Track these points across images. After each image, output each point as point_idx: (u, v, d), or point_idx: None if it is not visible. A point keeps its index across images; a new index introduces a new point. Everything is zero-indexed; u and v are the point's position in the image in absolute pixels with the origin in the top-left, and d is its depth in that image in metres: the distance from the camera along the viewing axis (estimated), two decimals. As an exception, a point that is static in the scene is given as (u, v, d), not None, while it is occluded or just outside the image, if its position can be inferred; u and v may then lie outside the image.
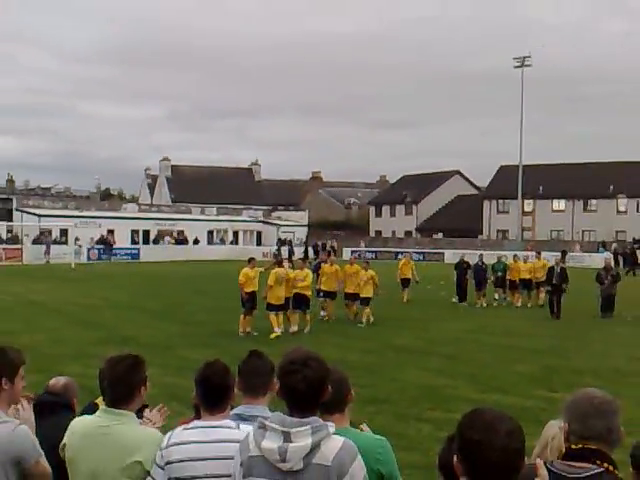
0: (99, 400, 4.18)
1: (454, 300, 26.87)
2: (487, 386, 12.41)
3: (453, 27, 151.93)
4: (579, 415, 2.77)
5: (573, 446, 2.75)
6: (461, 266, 27.57)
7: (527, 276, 26.82)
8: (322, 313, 21.43)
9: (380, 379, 12.83)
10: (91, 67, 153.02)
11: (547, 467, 2.75)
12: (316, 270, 23.13)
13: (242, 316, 18.26)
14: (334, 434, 3.06)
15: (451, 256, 30.13)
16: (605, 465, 2.69)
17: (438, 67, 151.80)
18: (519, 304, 26.38)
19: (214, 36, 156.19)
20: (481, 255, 28.77)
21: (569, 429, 2.81)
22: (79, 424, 3.83)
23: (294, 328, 18.53)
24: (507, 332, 19.61)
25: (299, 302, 19.00)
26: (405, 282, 27.26)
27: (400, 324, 20.89)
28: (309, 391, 3.05)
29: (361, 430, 3.85)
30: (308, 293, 19.30)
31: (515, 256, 28.66)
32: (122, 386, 3.71)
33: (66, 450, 3.77)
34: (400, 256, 29.50)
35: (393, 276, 27.41)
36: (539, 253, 29.25)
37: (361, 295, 21.16)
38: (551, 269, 24.02)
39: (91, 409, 4.13)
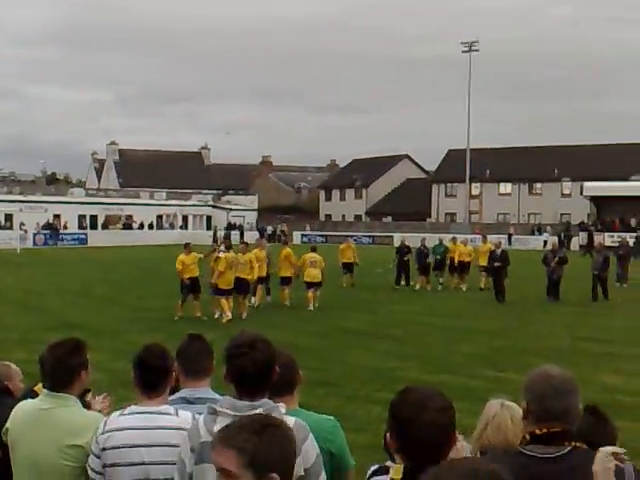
0: (38, 387, 4.11)
1: (396, 287, 26.14)
2: (435, 367, 12.55)
3: (402, 13, 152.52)
4: (538, 396, 2.78)
5: (537, 431, 2.77)
6: (402, 250, 27.00)
7: (467, 259, 26.69)
8: (252, 300, 20.37)
9: (329, 362, 12.88)
10: (37, 49, 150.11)
11: (519, 450, 2.79)
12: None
13: (179, 301, 18.31)
14: (285, 415, 3.03)
15: (400, 239, 30.35)
16: (572, 443, 2.73)
17: (388, 52, 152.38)
18: (464, 288, 26.10)
19: (163, 19, 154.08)
20: (423, 239, 28.35)
21: (528, 409, 2.84)
22: (21, 408, 3.77)
23: (229, 314, 17.89)
24: (455, 314, 19.83)
25: (240, 287, 18.71)
26: (347, 266, 26.53)
27: (349, 307, 20.96)
28: (258, 373, 3.03)
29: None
30: (249, 277, 19.01)
31: (454, 238, 28.51)
32: (62, 370, 3.64)
33: (8, 435, 3.70)
34: (350, 240, 29.04)
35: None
36: (485, 237, 29.11)
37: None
38: (492, 252, 23.98)
39: (29, 396, 4.06)
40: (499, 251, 23.74)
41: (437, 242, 27.92)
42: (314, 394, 9.51)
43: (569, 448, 2.72)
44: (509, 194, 74.66)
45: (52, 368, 3.65)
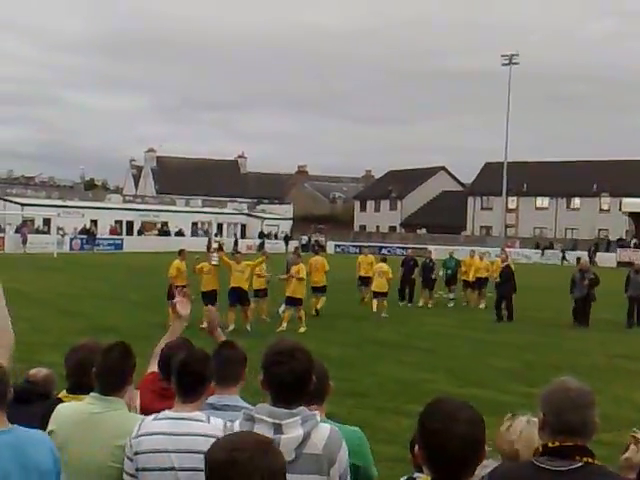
0: (62, 394, 4.18)
1: (399, 304, 24.10)
2: (465, 380, 12.48)
3: (440, 25, 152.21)
4: (555, 408, 2.75)
5: (550, 444, 2.75)
6: (407, 263, 25.07)
7: (484, 274, 24.75)
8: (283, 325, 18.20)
9: (359, 373, 12.87)
10: (77, 56, 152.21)
11: (531, 461, 2.77)
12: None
13: (229, 311, 17.71)
14: (320, 423, 3.07)
15: (435, 251, 30.18)
16: (585, 459, 2.71)
17: (426, 64, 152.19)
18: (482, 305, 24.44)
19: (201, 27, 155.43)
20: (429, 252, 26.84)
21: (544, 420, 2.83)
22: (68, 411, 3.79)
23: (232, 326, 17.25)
24: (485, 328, 19.71)
25: (237, 296, 17.92)
26: (365, 280, 24.14)
27: (380, 319, 20.90)
28: (296, 383, 3.05)
29: None
30: (245, 287, 18.14)
31: (472, 252, 26.85)
32: (114, 374, 3.70)
33: (54, 437, 3.76)
34: (384, 250, 28.69)
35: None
36: (504, 251, 26.93)
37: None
38: (505, 268, 22.29)
39: (55, 404, 4.11)
40: (503, 266, 22.40)
41: (447, 256, 26.63)
42: (343, 404, 9.53)
43: (581, 463, 2.70)
44: (546, 208, 73.99)
45: (104, 373, 3.70)
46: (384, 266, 21.93)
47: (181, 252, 19.09)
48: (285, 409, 3.00)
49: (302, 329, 17.65)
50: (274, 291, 20.06)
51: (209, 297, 17.39)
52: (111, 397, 3.70)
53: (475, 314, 22.81)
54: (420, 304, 24.44)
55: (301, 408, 3.04)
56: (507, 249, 36.75)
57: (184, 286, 17.06)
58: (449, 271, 25.48)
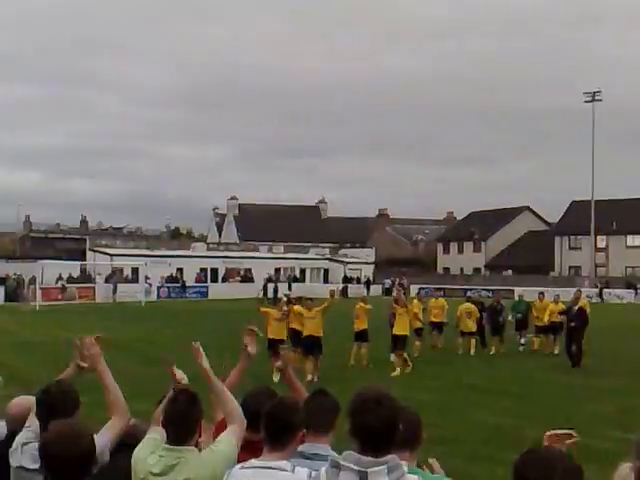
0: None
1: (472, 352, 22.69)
2: (558, 426, 12.01)
3: (518, 61, 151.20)
4: None
5: None
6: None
7: (559, 319, 22.42)
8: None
9: (448, 418, 12.63)
10: (164, 109, 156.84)
11: None
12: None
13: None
14: (408, 474, 3.04)
15: (521, 293, 29.51)
16: None
17: (505, 103, 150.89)
18: (556, 351, 22.69)
19: (282, 75, 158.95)
20: (498, 294, 26.04)
21: (639, 468, 2.71)
22: (142, 463, 3.75)
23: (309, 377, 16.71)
24: (579, 371, 19.12)
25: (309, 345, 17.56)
26: (436, 326, 23.57)
27: (468, 362, 20.62)
28: (382, 430, 3.03)
29: (430, 466, 3.79)
30: (319, 334, 17.67)
31: (541, 294, 24.83)
32: (186, 422, 3.70)
33: None
34: (469, 293, 28.22)
35: (455, 316, 23.66)
36: (579, 292, 24.35)
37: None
38: (569, 309, 21.38)
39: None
40: (576, 308, 21.09)
41: (517, 299, 25.46)
42: (433, 452, 9.30)
43: None
44: (637, 247, 71.82)
45: (174, 421, 3.70)
46: (471, 306, 22.75)
47: (277, 300, 19.02)
48: (372, 457, 2.98)
49: (395, 372, 17.88)
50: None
51: (275, 345, 16.44)
52: (184, 446, 3.68)
53: (562, 357, 22.14)
54: (492, 352, 22.83)
55: (389, 457, 3.00)
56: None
57: (276, 340, 17.01)
58: (519, 315, 24.11)
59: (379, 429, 3.01)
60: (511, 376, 18.15)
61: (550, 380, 17.49)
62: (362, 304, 20.13)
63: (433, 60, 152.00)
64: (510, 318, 23.96)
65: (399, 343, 18.56)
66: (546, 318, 23.10)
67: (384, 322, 21.12)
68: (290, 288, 54.56)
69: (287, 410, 3.64)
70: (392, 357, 18.99)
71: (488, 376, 18.09)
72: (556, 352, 22.78)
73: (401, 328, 18.72)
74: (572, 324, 20.64)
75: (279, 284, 56.07)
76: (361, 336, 19.45)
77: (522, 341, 23.85)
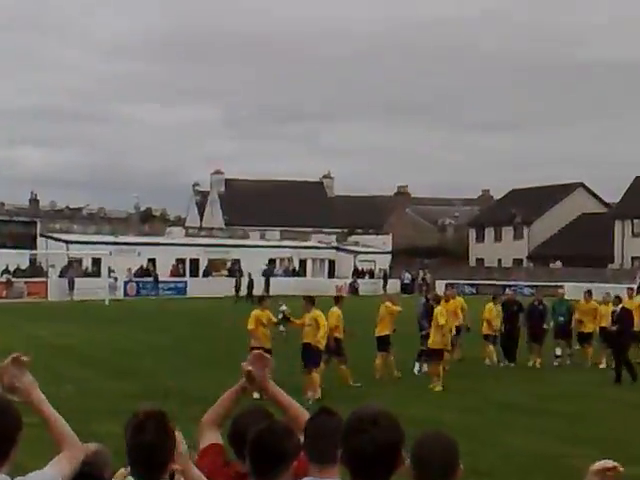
0: (119, 474, 4.16)
1: (502, 364, 22.93)
2: (619, 455, 12.09)
3: (571, 4, 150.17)
4: None
5: None
6: (509, 308, 23.63)
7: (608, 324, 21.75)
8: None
9: (481, 444, 12.72)
10: (131, 62, 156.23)
11: None
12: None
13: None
14: None
15: (573, 289, 29.42)
16: None
17: (554, 55, 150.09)
18: (603, 365, 22.36)
19: (280, 21, 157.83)
20: (540, 292, 26.23)
21: None
22: None
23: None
24: (637, 387, 19.31)
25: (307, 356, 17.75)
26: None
27: (505, 375, 20.77)
28: (376, 456, 3.01)
29: None
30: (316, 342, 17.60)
31: (587, 293, 24.23)
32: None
33: None
34: (508, 290, 27.76)
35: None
36: (632, 290, 24.99)
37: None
38: (613, 312, 21.26)
39: None
40: (618, 309, 21.11)
41: (557, 299, 24.69)
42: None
43: None
44: None
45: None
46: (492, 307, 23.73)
47: (262, 300, 19.20)
48: None
49: (438, 387, 18.33)
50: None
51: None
52: None
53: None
54: (530, 364, 22.81)
55: None
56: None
57: (263, 348, 17.18)
58: (561, 318, 23.48)
59: (371, 455, 3.00)
60: (557, 392, 18.30)
61: (603, 397, 17.69)
62: (389, 304, 20.37)
63: (459, 4, 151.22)
64: (551, 324, 23.56)
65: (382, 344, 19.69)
66: (596, 324, 22.94)
67: (408, 326, 21.48)
68: (268, 288, 53.65)
69: (276, 435, 3.63)
70: (417, 368, 20.29)
71: (528, 392, 18.25)
72: (602, 366, 22.35)
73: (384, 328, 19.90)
74: (614, 328, 20.75)
75: (272, 279, 56.13)
76: (383, 342, 19.81)
77: (558, 352, 23.33)
